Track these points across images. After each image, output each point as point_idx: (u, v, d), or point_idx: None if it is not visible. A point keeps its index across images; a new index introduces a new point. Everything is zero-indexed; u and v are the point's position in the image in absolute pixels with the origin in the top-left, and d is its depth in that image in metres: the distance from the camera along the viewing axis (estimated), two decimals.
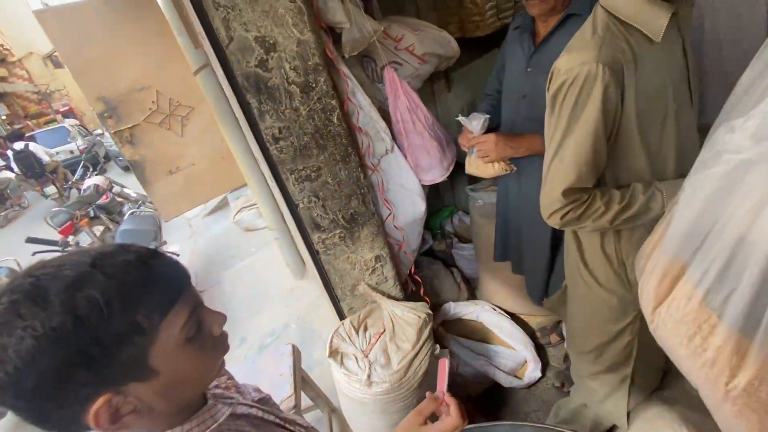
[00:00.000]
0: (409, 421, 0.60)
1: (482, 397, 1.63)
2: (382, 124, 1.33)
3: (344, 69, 1.22)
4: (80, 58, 2.59)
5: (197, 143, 3.19)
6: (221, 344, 0.52)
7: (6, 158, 7.72)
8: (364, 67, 1.44)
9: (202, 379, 0.52)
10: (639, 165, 0.85)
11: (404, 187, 1.43)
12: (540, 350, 1.67)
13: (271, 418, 0.63)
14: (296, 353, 1.39)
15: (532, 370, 1.58)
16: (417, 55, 1.43)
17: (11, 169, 7.34)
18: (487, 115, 1.28)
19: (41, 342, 0.35)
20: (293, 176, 1.20)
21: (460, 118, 1.31)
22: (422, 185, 1.46)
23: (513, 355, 1.60)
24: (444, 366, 0.63)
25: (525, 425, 1.02)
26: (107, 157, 7.97)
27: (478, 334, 1.71)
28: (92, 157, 7.98)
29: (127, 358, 0.40)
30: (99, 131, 9.21)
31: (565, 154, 0.82)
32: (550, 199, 0.86)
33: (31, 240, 2.76)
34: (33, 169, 7.09)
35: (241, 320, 2.75)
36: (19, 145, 7.33)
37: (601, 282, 1.00)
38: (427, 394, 0.62)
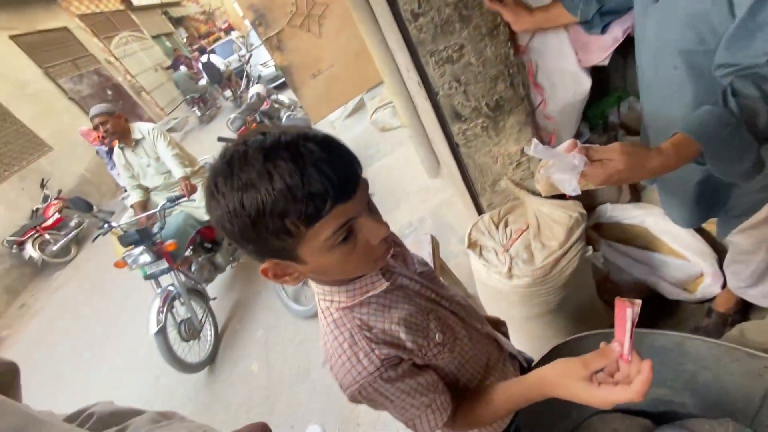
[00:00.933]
0: (571, 369, 0.50)
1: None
2: None
3: None
4: None
5: (334, 43, 3.22)
6: (379, 252, 0.53)
7: (198, 71, 9.68)
8: None
9: (353, 273, 0.56)
10: None
11: (561, 65, 1.19)
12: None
13: (429, 293, 0.65)
14: (434, 242, 1.46)
15: (709, 285, 1.33)
16: None
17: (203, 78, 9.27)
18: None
19: (223, 215, 0.46)
20: (433, 59, 1.10)
21: (534, 152, 0.69)
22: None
23: (685, 266, 1.36)
24: (623, 310, 0.47)
25: (696, 338, 0.87)
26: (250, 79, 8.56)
27: (639, 241, 1.49)
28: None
29: (279, 247, 0.48)
30: (243, 51, 9.73)
31: None
32: None
33: (220, 139, 3.47)
34: (215, 77, 8.79)
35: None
36: (204, 59, 9.02)
37: None
38: (602, 344, 0.49)
